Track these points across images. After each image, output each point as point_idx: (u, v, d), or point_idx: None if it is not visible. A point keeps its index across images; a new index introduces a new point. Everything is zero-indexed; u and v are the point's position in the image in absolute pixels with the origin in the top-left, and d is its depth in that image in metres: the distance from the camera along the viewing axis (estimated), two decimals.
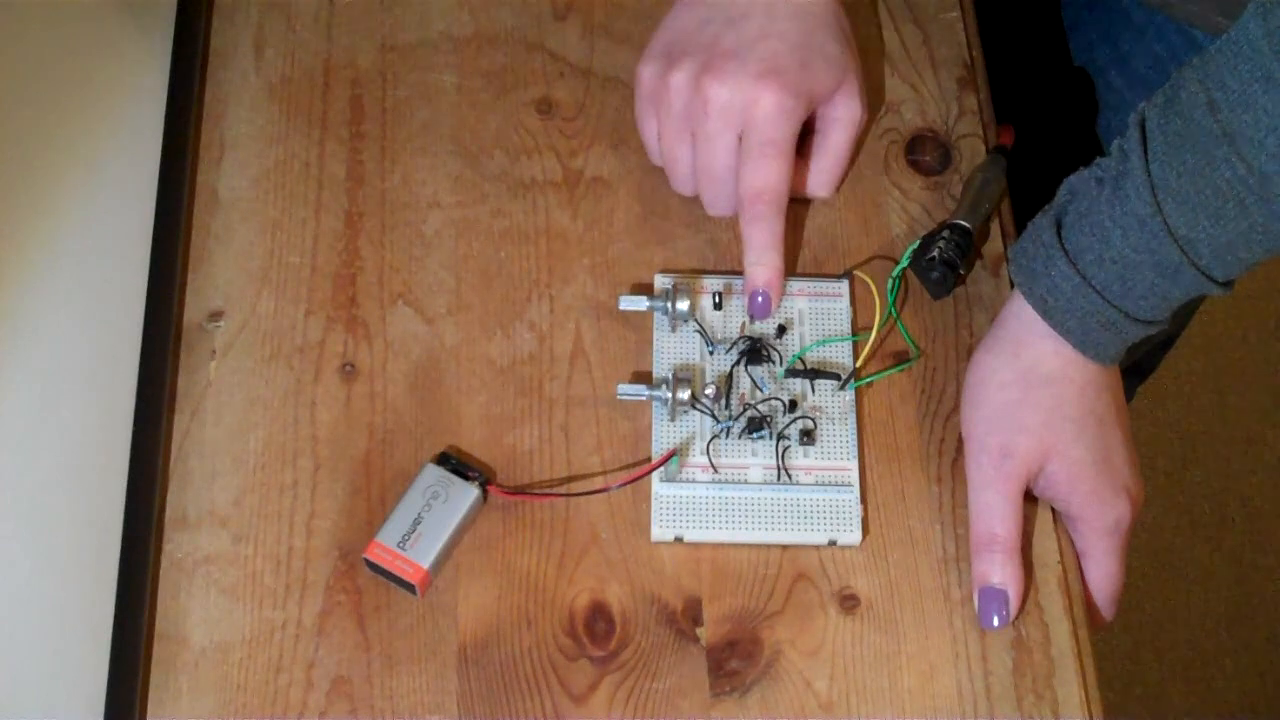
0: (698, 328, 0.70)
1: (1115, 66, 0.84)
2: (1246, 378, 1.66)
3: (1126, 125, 0.61)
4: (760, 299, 0.69)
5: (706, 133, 0.69)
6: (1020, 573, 0.64)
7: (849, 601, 0.65)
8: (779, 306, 0.70)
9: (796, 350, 0.69)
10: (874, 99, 0.76)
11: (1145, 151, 0.60)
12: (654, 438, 0.67)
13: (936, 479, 0.67)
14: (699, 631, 0.64)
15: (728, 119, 0.68)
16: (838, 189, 0.74)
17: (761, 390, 0.68)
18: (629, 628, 0.64)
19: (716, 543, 0.66)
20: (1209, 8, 0.75)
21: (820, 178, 0.73)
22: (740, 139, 0.69)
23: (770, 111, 0.67)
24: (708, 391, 0.67)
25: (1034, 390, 0.65)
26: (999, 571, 0.63)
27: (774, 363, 0.69)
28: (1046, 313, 0.64)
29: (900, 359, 0.70)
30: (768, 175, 0.68)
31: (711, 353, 0.69)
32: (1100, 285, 0.62)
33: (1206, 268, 0.60)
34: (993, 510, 0.64)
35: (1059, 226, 0.63)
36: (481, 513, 0.66)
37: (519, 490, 0.67)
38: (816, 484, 0.66)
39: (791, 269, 0.72)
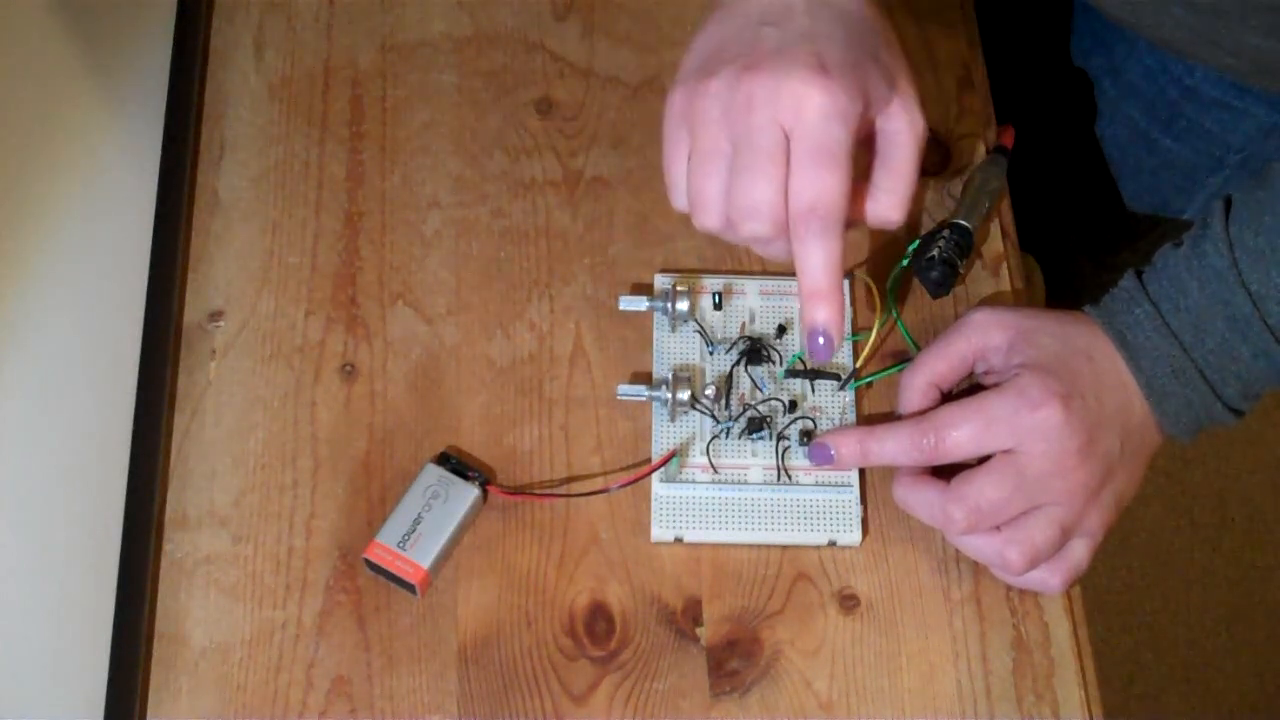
0: (698, 328, 0.70)
1: (1109, 76, 0.84)
2: None
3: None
4: (821, 340, 0.60)
5: (750, 138, 0.58)
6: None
7: (849, 601, 0.65)
8: (840, 347, 0.63)
9: (796, 350, 0.69)
10: None
11: (1227, 216, 0.62)
12: (654, 438, 0.67)
13: None
14: (699, 631, 0.64)
15: (773, 120, 0.58)
16: (907, 214, 0.63)
17: (761, 390, 0.68)
18: (629, 628, 0.64)
19: (716, 543, 0.66)
20: (1183, 38, 0.76)
21: (887, 199, 0.62)
22: (788, 147, 0.58)
23: (822, 111, 0.57)
24: (708, 392, 0.67)
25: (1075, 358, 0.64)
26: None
27: (774, 363, 0.69)
28: (1124, 345, 0.64)
29: (900, 359, 0.70)
30: (821, 186, 0.57)
31: (711, 353, 0.69)
32: (1176, 329, 0.63)
33: (1275, 327, 0.61)
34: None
35: (1140, 276, 0.65)
36: (481, 513, 0.66)
37: (519, 490, 0.67)
38: (816, 484, 0.66)
39: (791, 269, 0.72)
